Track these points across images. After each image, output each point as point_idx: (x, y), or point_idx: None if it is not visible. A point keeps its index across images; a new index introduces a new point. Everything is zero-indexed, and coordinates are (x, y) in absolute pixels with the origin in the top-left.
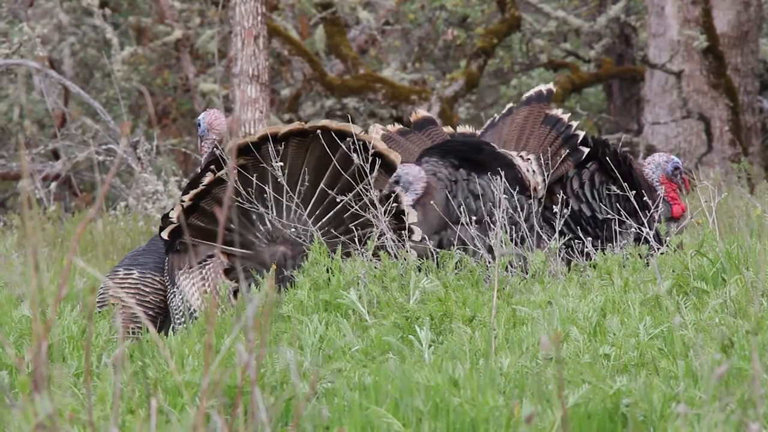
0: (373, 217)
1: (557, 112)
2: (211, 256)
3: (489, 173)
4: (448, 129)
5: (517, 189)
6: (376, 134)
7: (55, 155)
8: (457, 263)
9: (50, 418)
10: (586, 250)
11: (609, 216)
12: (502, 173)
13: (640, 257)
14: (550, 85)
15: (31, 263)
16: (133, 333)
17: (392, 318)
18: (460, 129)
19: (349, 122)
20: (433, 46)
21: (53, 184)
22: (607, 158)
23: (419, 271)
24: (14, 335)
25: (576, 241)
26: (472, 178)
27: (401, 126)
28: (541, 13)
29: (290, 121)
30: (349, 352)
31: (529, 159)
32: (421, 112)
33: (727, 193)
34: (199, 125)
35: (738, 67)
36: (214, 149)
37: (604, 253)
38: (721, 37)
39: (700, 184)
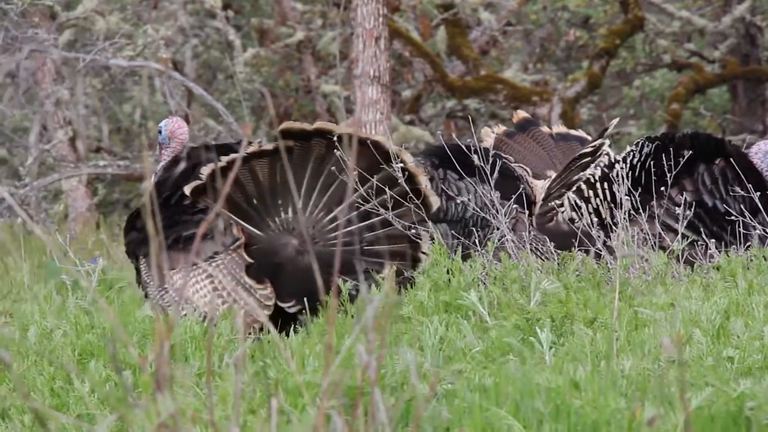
0: (494, 217)
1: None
2: (217, 253)
3: (476, 177)
4: (545, 129)
5: (515, 199)
6: (486, 136)
7: None
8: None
9: (172, 418)
10: (709, 252)
11: (734, 216)
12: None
13: (765, 259)
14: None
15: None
16: (254, 333)
17: (513, 319)
18: (555, 129)
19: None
20: (554, 46)
21: None
22: (732, 157)
23: (540, 272)
24: (137, 335)
25: (699, 243)
26: (449, 178)
27: (506, 128)
28: (664, 13)
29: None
30: (470, 354)
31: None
32: (521, 113)
33: None
34: (160, 132)
35: None
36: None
37: (728, 255)
38: None
39: None
